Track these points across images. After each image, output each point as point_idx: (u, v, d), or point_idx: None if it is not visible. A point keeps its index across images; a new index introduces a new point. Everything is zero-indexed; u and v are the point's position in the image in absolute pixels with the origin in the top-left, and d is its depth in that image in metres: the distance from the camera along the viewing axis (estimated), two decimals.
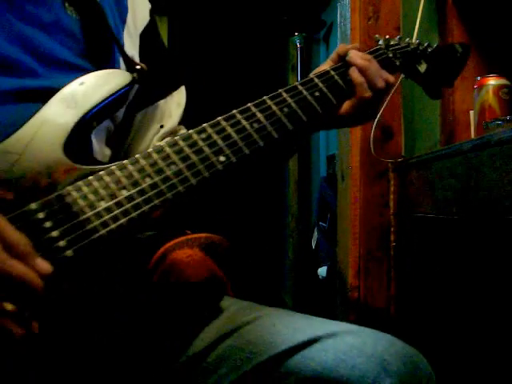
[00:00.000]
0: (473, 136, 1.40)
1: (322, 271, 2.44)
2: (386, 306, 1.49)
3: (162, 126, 0.88)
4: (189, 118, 0.93)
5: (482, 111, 1.31)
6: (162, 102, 0.88)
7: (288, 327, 0.63)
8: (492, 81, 1.29)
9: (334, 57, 0.86)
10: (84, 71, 0.71)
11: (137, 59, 0.84)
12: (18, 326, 0.49)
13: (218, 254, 0.68)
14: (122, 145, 0.86)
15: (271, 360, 0.60)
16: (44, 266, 0.52)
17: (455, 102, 1.53)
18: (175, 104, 0.90)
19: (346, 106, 0.81)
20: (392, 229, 1.50)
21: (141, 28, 0.86)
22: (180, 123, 0.91)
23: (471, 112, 1.43)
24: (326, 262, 2.44)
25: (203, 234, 0.70)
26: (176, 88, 0.90)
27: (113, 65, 0.78)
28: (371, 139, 1.48)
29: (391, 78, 0.82)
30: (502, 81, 1.29)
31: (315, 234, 2.69)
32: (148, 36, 0.87)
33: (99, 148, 0.77)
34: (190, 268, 0.65)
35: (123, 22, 0.83)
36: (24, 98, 0.67)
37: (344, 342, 0.59)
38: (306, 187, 3.26)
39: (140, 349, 0.62)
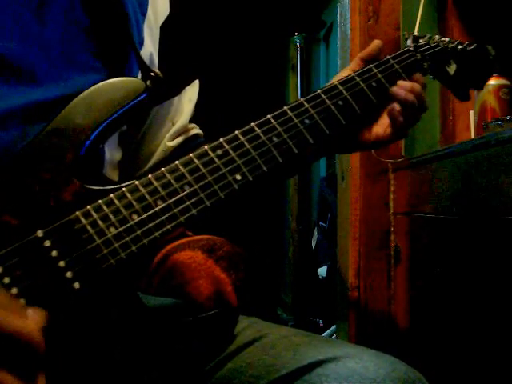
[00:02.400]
0: (473, 136, 1.40)
1: (322, 271, 2.44)
2: (386, 306, 1.49)
3: (173, 124, 0.85)
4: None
5: (482, 111, 1.32)
6: (176, 98, 0.86)
7: (289, 349, 0.62)
8: (492, 81, 1.30)
9: (357, 62, 0.81)
10: (101, 73, 0.69)
11: (155, 55, 0.82)
12: None
13: (220, 257, 0.67)
14: (136, 144, 0.84)
15: None
16: (38, 312, 0.48)
17: (455, 102, 1.53)
18: (187, 99, 0.88)
19: (382, 127, 0.78)
20: (392, 229, 1.50)
21: (161, 20, 0.84)
22: (191, 121, 0.89)
23: (471, 112, 1.43)
24: (325, 262, 2.45)
25: (205, 236, 0.69)
26: (190, 82, 0.88)
27: (131, 67, 0.75)
28: None
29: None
30: (502, 81, 1.30)
31: (315, 233, 2.69)
32: (168, 29, 0.84)
33: (110, 153, 0.75)
34: (191, 270, 0.64)
35: (143, 14, 0.81)
36: (42, 112, 0.64)
37: (345, 366, 0.58)
38: (306, 187, 3.26)
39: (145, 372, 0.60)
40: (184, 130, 0.87)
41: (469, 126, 1.48)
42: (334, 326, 2.05)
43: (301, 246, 3.16)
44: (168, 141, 0.85)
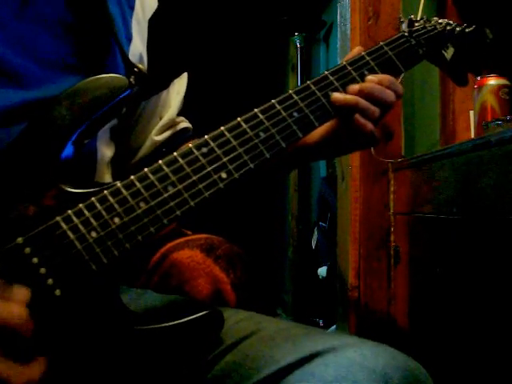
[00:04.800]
0: (473, 136, 1.40)
1: (322, 271, 2.44)
2: (386, 306, 1.49)
3: (161, 118, 0.85)
4: (188, 119, 0.93)
5: (482, 111, 1.32)
6: (164, 92, 0.85)
7: (287, 341, 0.62)
8: (492, 81, 1.30)
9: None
10: (86, 73, 0.67)
11: (144, 50, 0.81)
12: (18, 376, 0.47)
13: (219, 256, 0.67)
14: (128, 140, 0.84)
15: (271, 376, 0.59)
16: (21, 292, 0.49)
17: (455, 101, 1.53)
18: (175, 92, 0.87)
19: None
20: (392, 229, 1.50)
21: (149, 14, 0.83)
22: (180, 114, 0.89)
23: (471, 112, 1.43)
24: (325, 262, 2.44)
25: (204, 235, 0.69)
26: (178, 76, 0.87)
27: (116, 65, 0.74)
28: None
29: (400, 90, 0.74)
30: (502, 81, 1.30)
31: (315, 233, 2.69)
32: (156, 22, 0.82)
33: (102, 151, 0.74)
34: (190, 270, 0.64)
35: (131, 8, 0.80)
36: (30, 113, 0.62)
37: (345, 356, 0.58)
38: (306, 187, 3.26)
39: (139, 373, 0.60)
40: (172, 124, 0.86)
41: (469, 126, 1.48)
42: (334, 326, 2.05)
43: (301, 245, 3.16)
44: (155, 135, 0.84)
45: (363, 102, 0.70)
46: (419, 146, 1.61)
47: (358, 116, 0.70)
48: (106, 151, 0.76)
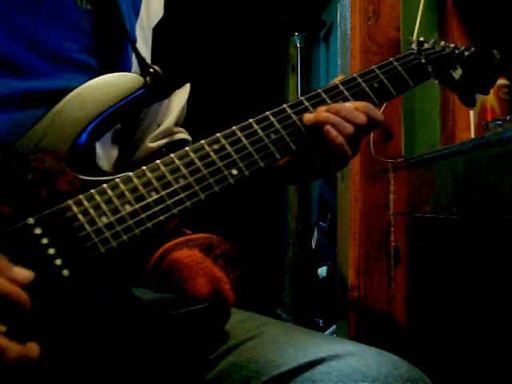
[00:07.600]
0: (473, 136, 1.40)
1: (322, 271, 2.44)
2: (386, 306, 1.49)
3: (159, 126, 0.85)
4: (188, 119, 0.92)
5: (482, 111, 1.32)
6: (166, 100, 0.85)
7: (290, 345, 0.62)
8: None
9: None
10: (93, 70, 0.68)
11: (148, 57, 0.81)
12: (12, 350, 0.47)
13: (218, 255, 0.67)
14: (127, 143, 0.84)
15: (272, 381, 0.58)
16: (23, 274, 0.50)
17: (455, 102, 1.52)
18: (176, 101, 0.87)
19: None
20: (392, 229, 1.50)
21: (154, 22, 0.83)
22: (180, 125, 0.88)
23: (471, 112, 1.43)
24: (325, 262, 2.44)
25: (203, 235, 0.68)
26: (181, 86, 0.88)
27: (125, 64, 0.75)
28: (371, 139, 1.48)
29: (377, 116, 0.72)
30: (502, 81, 1.30)
31: (315, 234, 2.69)
32: (161, 31, 0.83)
33: (103, 151, 0.75)
34: (189, 269, 0.64)
35: (136, 14, 0.80)
36: (28, 103, 0.64)
37: (348, 364, 0.57)
38: (306, 187, 3.26)
39: (141, 367, 0.60)
40: (168, 133, 0.86)
41: (469, 126, 1.48)
42: (334, 326, 2.05)
43: (301, 245, 3.16)
44: (149, 142, 0.84)
45: (334, 118, 0.69)
46: (419, 145, 1.61)
47: (328, 127, 0.68)
48: (106, 151, 0.76)
